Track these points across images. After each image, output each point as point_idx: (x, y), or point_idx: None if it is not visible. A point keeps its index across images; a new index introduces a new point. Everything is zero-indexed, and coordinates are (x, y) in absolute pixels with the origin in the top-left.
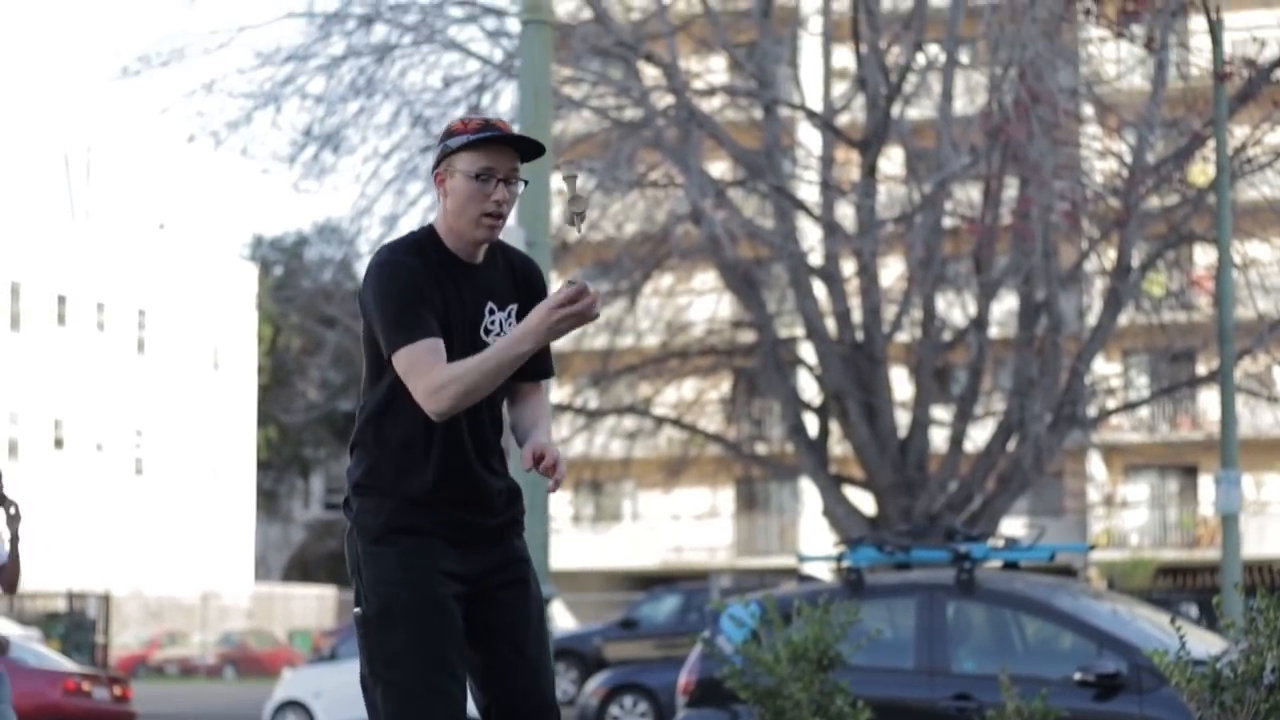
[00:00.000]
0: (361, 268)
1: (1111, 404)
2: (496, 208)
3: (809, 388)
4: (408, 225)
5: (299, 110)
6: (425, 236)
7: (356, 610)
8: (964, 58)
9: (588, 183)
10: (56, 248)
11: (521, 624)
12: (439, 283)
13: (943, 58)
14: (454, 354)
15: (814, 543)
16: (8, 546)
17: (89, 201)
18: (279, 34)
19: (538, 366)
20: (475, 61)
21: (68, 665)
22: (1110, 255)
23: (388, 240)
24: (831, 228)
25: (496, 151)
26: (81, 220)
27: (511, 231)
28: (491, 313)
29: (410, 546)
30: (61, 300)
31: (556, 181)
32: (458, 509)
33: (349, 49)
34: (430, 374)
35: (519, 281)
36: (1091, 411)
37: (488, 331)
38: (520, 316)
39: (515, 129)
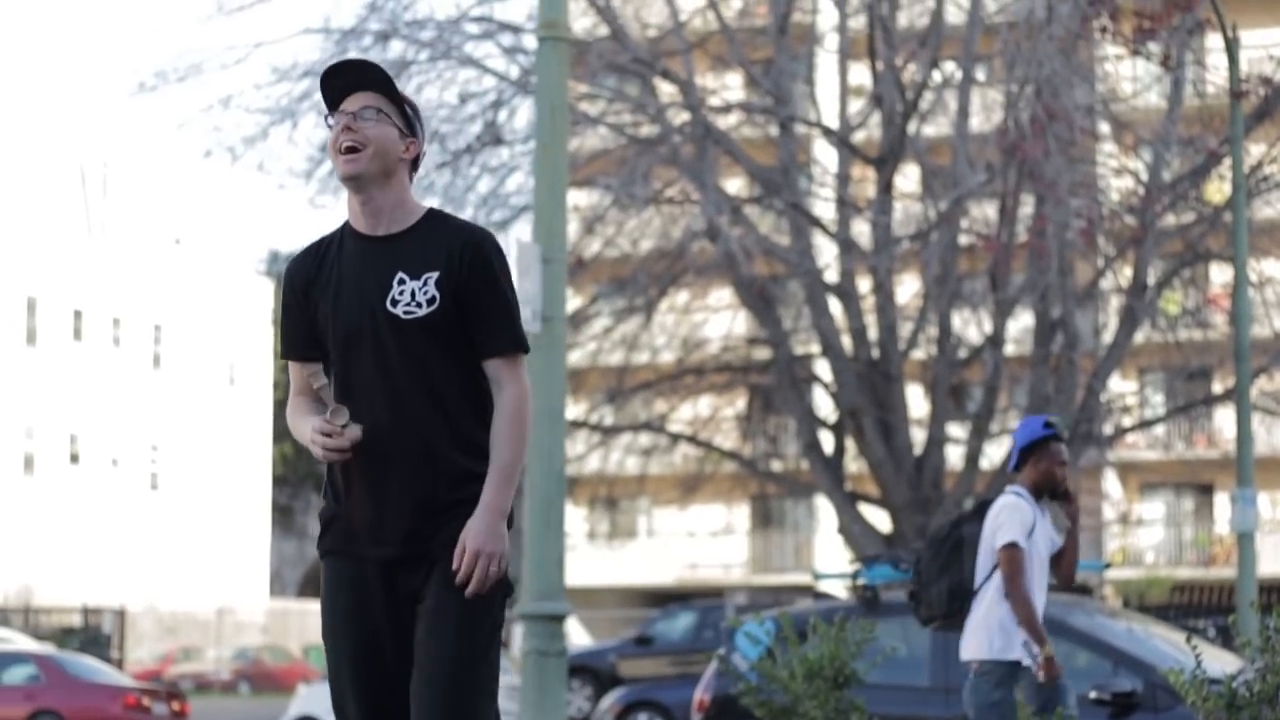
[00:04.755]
0: None
1: (1127, 422)
2: (344, 141)
3: (824, 405)
4: None
5: (315, 126)
6: (341, 225)
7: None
8: (980, 75)
9: (604, 199)
10: (73, 263)
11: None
12: (329, 271)
13: (959, 75)
14: (350, 332)
15: (829, 560)
16: None
17: (105, 216)
18: (295, 50)
19: (484, 337)
20: (491, 78)
21: (127, 681)
22: (1126, 273)
23: None
24: (847, 245)
25: (337, 91)
26: (98, 235)
27: (527, 248)
28: (402, 283)
29: None
30: (78, 315)
31: (573, 197)
32: None
33: None
34: (290, 401)
35: (450, 250)
36: (1107, 429)
37: (395, 303)
38: (446, 286)
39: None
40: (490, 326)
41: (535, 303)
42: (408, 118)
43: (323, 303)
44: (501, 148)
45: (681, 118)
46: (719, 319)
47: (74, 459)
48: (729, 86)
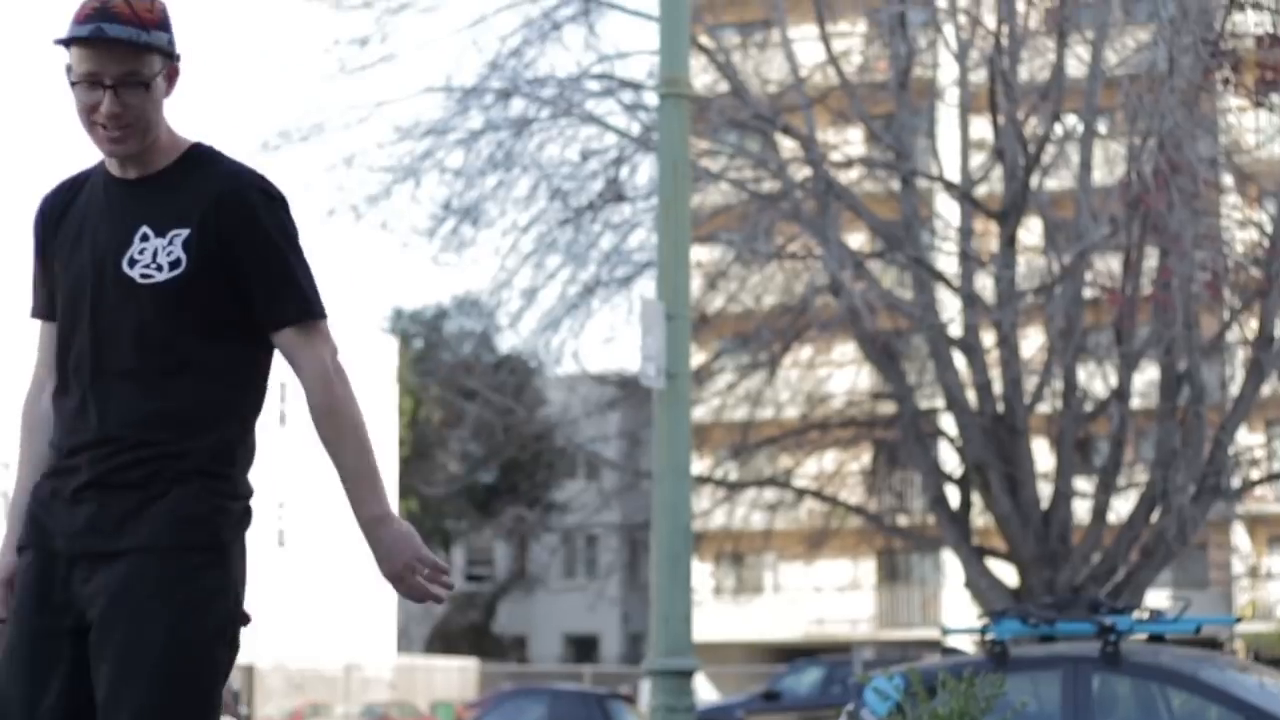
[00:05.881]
0: (501, 340)
1: (1255, 475)
2: (108, 120)
3: (950, 459)
4: (547, 298)
5: (438, 184)
6: (100, 161)
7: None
8: (1102, 128)
9: (726, 255)
10: None
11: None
12: (78, 211)
13: (1081, 128)
14: (74, 293)
15: (957, 615)
16: None
17: None
18: (418, 108)
19: (263, 307)
20: (613, 135)
21: None
22: (1252, 325)
23: None
24: (971, 299)
25: (100, 51)
26: None
27: (650, 305)
28: (144, 239)
29: None
30: None
31: (696, 253)
32: None
33: (487, 123)
34: (32, 376)
35: (206, 203)
36: (1235, 483)
37: (133, 263)
38: (197, 247)
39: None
40: (268, 293)
41: (660, 359)
42: (168, 49)
43: (58, 255)
44: (623, 204)
45: (803, 173)
46: (843, 374)
47: None
48: (850, 141)
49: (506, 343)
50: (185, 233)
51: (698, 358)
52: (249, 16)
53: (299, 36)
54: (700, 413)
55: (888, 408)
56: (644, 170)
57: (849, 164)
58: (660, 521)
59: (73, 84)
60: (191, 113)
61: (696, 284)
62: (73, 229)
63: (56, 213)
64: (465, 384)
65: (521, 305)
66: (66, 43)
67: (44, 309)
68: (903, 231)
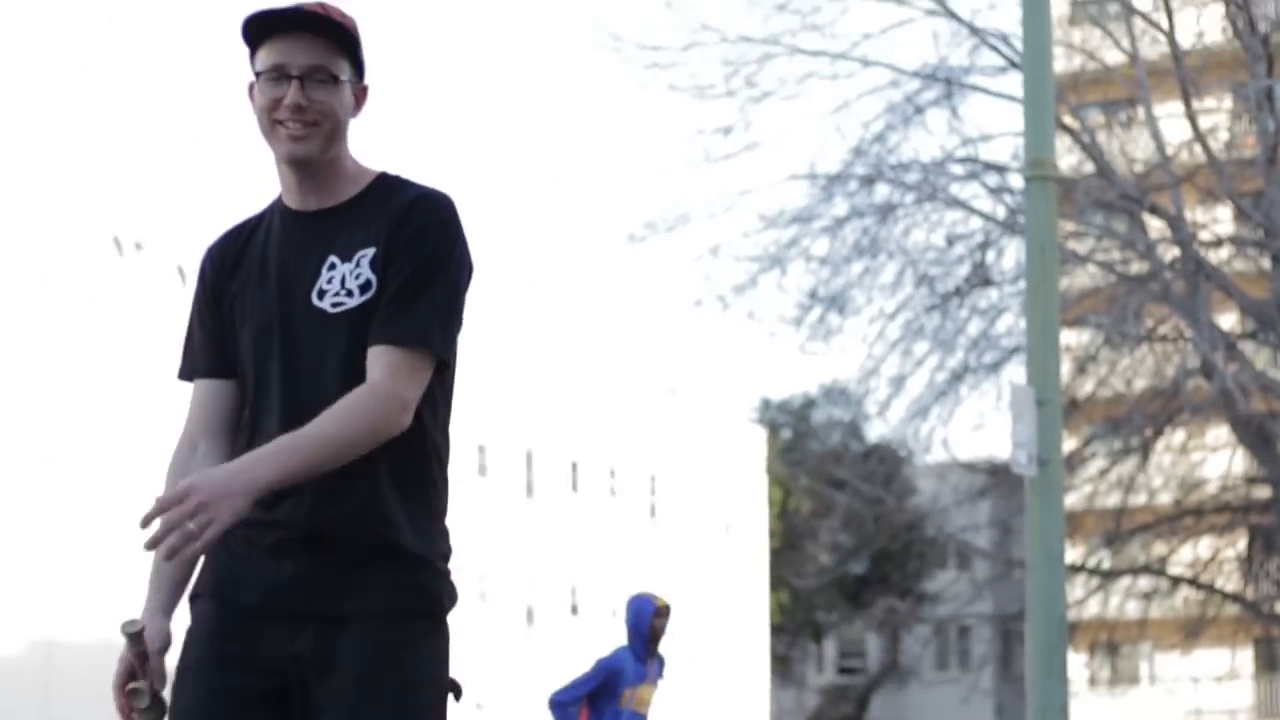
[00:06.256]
0: (870, 428)
1: None
2: (291, 113)
3: None
4: (915, 385)
5: (804, 272)
6: (272, 202)
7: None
8: None
9: (1095, 338)
10: (568, 415)
11: None
12: (256, 252)
13: None
14: (261, 332)
15: None
16: None
17: (599, 367)
18: (782, 196)
19: (384, 314)
20: (978, 218)
21: None
22: None
23: None
24: None
25: (290, 42)
26: (592, 386)
27: (1021, 391)
28: (331, 268)
29: None
30: (574, 467)
31: (1065, 337)
32: None
33: (852, 209)
34: (178, 441)
35: (393, 219)
36: None
37: (321, 294)
38: (384, 263)
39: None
40: (388, 308)
41: (1031, 445)
42: (358, 59)
43: (238, 299)
44: (990, 289)
45: (1171, 253)
46: (1217, 458)
47: (574, 610)
48: (1219, 220)
49: (875, 431)
50: (371, 252)
51: (1068, 444)
52: (610, 110)
53: (662, 128)
54: (1072, 500)
55: (1263, 492)
56: (1010, 254)
57: (1218, 243)
58: (1034, 612)
59: (256, 86)
60: (556, 207)
61: (1066, 368)
62: (252, 271)
63: (230, 258)
64: (834, 473)
65: (889, 393)
66: (254, 36)
67: (201, 368)
68: (1275, 311)
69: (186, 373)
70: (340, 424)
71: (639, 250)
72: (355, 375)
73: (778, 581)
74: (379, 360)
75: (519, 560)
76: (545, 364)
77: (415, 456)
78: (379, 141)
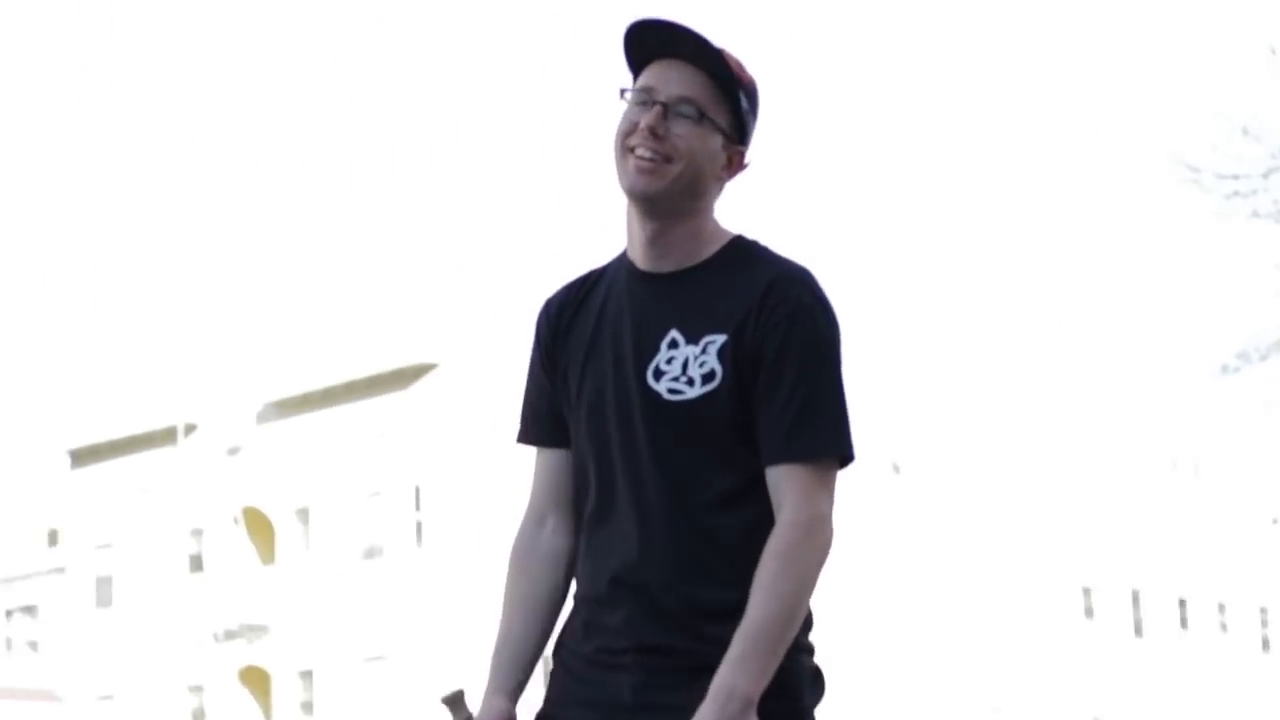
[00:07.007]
0: None
1: None
2: (644, 138)
3: None
4: None
5: None
6: (618, 255)
7: None
8: None
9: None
10: (1175, 550)
11: None
12: (592, 310)
13: None
14: (593, 407)
15: None
16: None
17: (1200, 501)
18: None
19: (772, 432)
20: None
21: None
22: None
23: None
24: None
25: (665, 68)
26: (1197, 521)
27: None
28: (673, 346)
29: None
30: (1182, 604)
31: None
32: None
33: None
34: (524, 515)
35: (749, 302)
36: None
37: (659, 375)
38: (734, 355)
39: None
40: (781, 418)
41: None
42: (740, 114)
43: (573, 361)
44: None
45: None
46: None
47: None
48: None
49: None
50: (721, 340)
51: None
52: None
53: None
54: None
55: None
56: None
57: None
58: None
59: (622, 94)
60: (1142, 340)
61: None
62: (585, 332)
63: (568, 314)
64: None
65: None
66: (635, 54)
67: (544, 436)
68: None
69: (529, 438)
70: (781, 590)
71: (1232, 380)
72: (685, 471)
73: None
74: (790, 483)
75: (1124, 702)
76: (1143, 501)
77: None
78: None
